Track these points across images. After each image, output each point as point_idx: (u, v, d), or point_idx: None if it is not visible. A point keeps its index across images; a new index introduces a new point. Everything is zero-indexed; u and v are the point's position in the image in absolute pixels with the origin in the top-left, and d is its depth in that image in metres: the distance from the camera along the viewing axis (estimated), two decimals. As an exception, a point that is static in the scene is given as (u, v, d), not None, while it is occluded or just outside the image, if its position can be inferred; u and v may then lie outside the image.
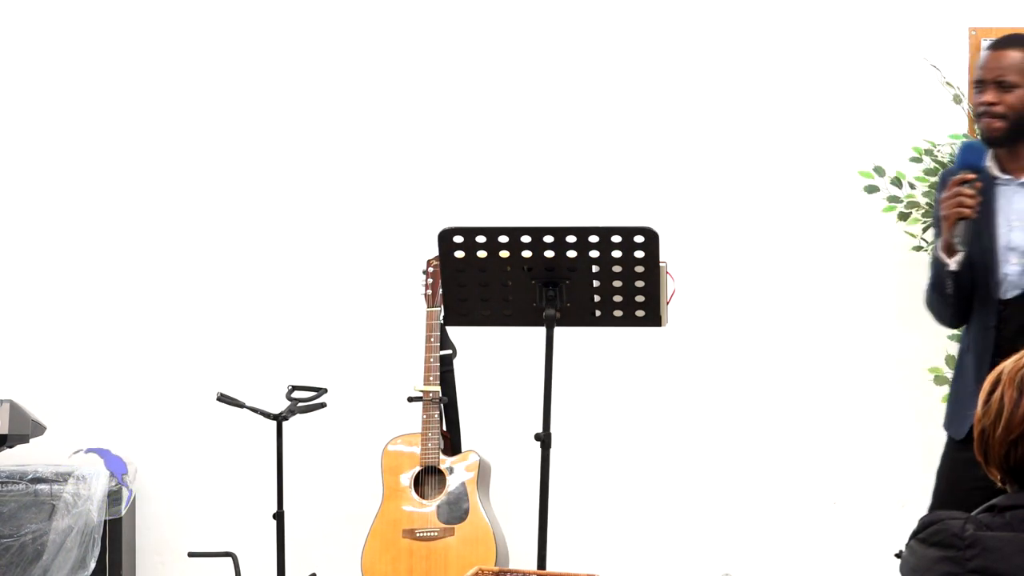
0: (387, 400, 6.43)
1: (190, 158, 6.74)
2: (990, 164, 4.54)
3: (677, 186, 6.62)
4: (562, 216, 6.43)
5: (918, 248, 6.20)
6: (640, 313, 4.86)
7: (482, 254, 4.84)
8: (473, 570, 4.41)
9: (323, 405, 6.10)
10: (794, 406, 6.54)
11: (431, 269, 6.08)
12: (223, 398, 5.99)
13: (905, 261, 6.30)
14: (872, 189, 6.32)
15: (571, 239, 4.79)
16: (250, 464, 6.54)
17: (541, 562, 4.78)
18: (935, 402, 5.97)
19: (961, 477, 4.50)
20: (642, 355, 6.56)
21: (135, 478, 6.50)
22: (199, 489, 6.67)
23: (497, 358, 6.53)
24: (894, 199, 6.29)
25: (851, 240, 6.51)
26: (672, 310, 5.01)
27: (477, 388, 6.43)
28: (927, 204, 6.17)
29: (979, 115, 4.53)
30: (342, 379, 6.48)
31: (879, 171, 6.33)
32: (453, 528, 5.97)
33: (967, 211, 4.40)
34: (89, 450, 6.44)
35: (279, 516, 5.93)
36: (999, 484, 2.66)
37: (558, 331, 4.87)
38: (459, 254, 4.85)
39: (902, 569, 2.65)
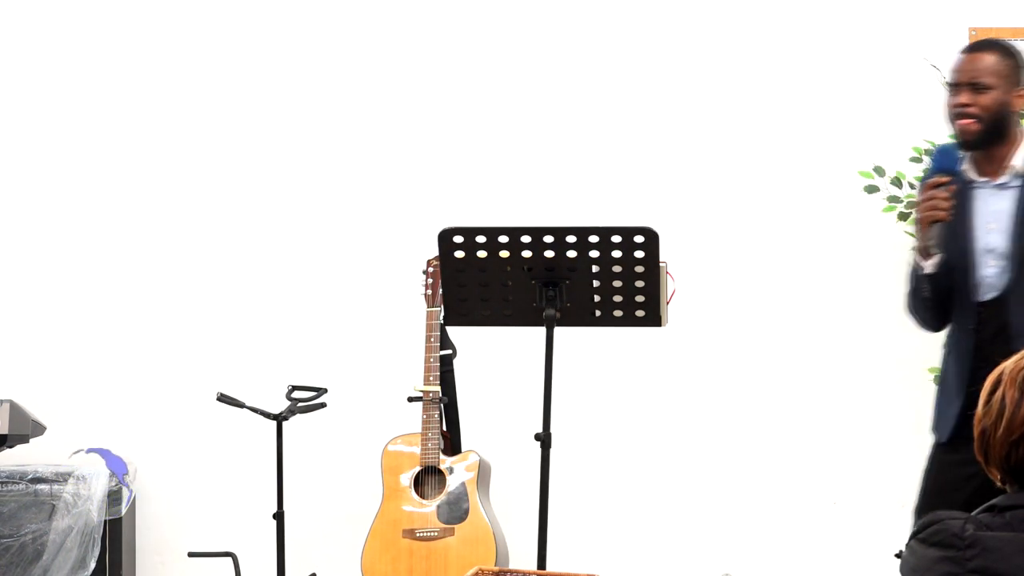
0: (387, 400, 6.43)
1: (190, 159, 6.74)
2: (967, 167, 4.56)
3: (677, 186, 6.62)
4: (562, 216, 6.43)
5: (918, 248, 6.21)
6: (640, 313, 4.86)
7: (482, 254, 4.84)
8: (473, 570, 4.41)
9: (323, 405, 6.10)
10: (794, 406, 6.54)
11: (431, 269, 6.08)
12: (223, 398, 5.99)
13: (905, 261, 6.28)
14: (872, 189, 6.32)
15: (571, 239, 4.79)
16: (250, 464, 6.54)
17: (541, 562, 4.78)
18: (935, 402, 5.96)
19: (948, 479, 4.53)
20: (642, 355, 6.56)
21: (135, 478, 6.50)
22: (199, 489, 6.67)
23: (497, 358, 6.53)
24: (894, 199, 6.29)
25: (851, 240, 6.51)
26: (672, 310, 5.00)
27: (477, 388, 6.43)
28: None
29: (954, 117, 4.55)
30: (342, 379, 6.48)
31: (879, 171, 6.33)
32: (453, 528, 5.97)
33: (941, 214, 4.44)
34: (90, 450, 6.44)
35: (279, 516, 5.93)
36: (999, 484, 2.66)
37: (558, 331, 4.86)
38: (459, 254, 4.85)
39: (902, 569, 2.65)
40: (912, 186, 6.28)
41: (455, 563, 5.91)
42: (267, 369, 6.58)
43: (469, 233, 4.84)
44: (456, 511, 6.00)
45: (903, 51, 6.47)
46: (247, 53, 6.73)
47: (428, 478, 6.06)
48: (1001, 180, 4.52)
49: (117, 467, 6.38)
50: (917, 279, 4.58)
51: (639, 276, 4.82)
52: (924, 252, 4.52)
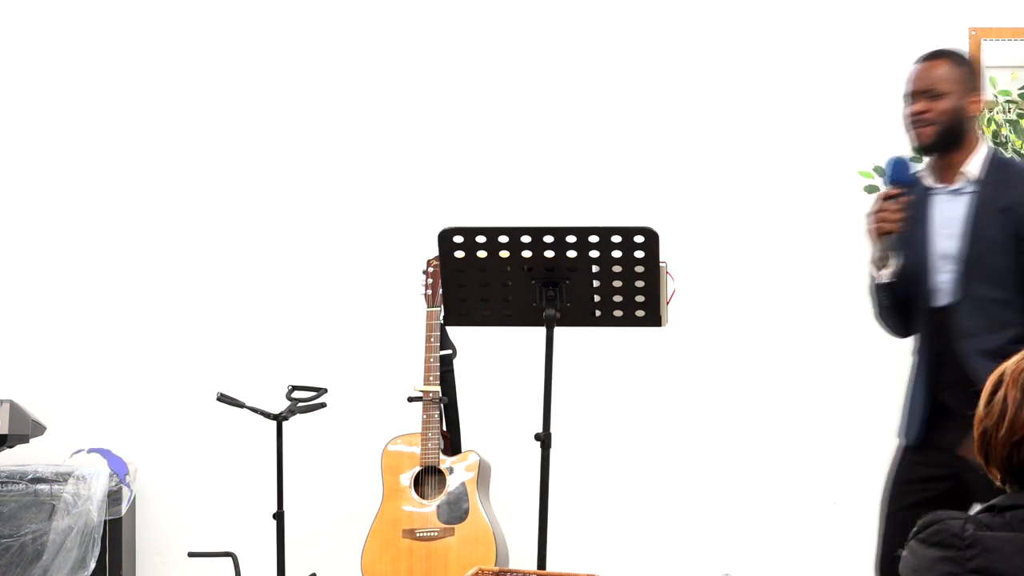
0: (387, 400, 6.43)
1: (190, 159, 6.74)
2: (925, 174, 4.64)
3: (677, 186, 6.62)
4: (562, 216, 6.43)
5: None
6: (640, 313, 4.86)
7: (482, 254, 4.84)
8: (473, 570, 4.41)
9: (323, 405, 6.10)
10: (794, 406, 6.54)
11: (431, 269, 6.08)
12: (223, 398, 5.99)
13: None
14: (872, 189, 6.31)
15: (571, 239, 4.79)
16: (250, 464, 6.54)
17: (541, 562, 4.78)
18: (935, 402, 5.96)
19: (909, 477, 4.64)
20: (642, 355, 6.56)
21: (135, 478, 6.50)
22: (199, 489, 6.67)
23: (497, 358, 6.53)
24: (894, 199, 6.28)
25: (851, 240, 6.50)
26: (672, 310, 5.00)
27: (477, 388, 6.43)
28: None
29: (911, 125, 4.64)
30: (342, 379, 6.48)
31: (879, 171, 6.33)
32: (453, 528, 5.97)
33: (891, 226, 4.52)
34: (91, 450, 6.44)
35: (279, 516, 5.93)
36: (998, 484, 2.66)
37: (558, 331, 4.86)
38: (459, 254, 4.85)
39: (902, 569, 2.65)
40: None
41: (455, 563, 5.91)
42: (267, 369, 6.58)
43: (469, 233, 4.84)
44: (456, 511, 6.00)
45: (903, 51, 6.46)
46: (247, 54, 6.73)
47: (428, 478, 6.06)
48: (956, 186, 4.60)
49: (118, 467, 6.38)
50: (876, 289, 4.66)
51: (639, 276, 4.82)
52: (879, 263, 4.58)
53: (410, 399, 6.10)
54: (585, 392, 6.55)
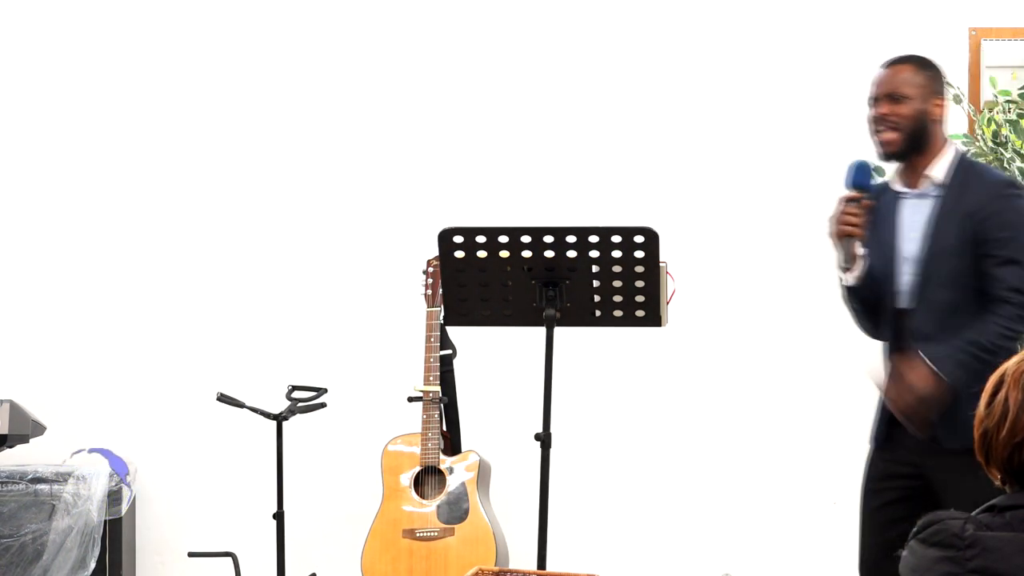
0: (387, 400, 6.43)
1: (190, 159, 6.74)
2: (894, 178, 4.67)
3: (677, 186, 6.62)
4: (562, 216, 6.43)
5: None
6: (640, 313, 4.86)
7: (482, 254, 4.84)
8: (473, 570, 4.41)
9: (323, 405, 6.10)
10: (794, 406, 6.54)
11: (431, 269, 6.08)
12: (223, 398, 5.99)
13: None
14: (872, 189, 6.31)
15: (571, 239, 4.79)
16: (250, 464, 6.54)
17: (541, 562, 4.78)
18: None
19: (877, 474, 4.66)
20: (642, 355, 6.56)
21: (135, 478, 6.50)
22: (199, 489, 6.67)
23: (497, 358, 6.53)
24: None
25: (851, 240, 6.51)
26: (672, 310, 5.00)
27: (477, 388, 6.43)
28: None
29: (874, 130, 4.64)
30: (342, 379, 6.48)
31: (879, 171, 6.32)
32: (453, 528, 5.97)
33: (851, 230, 4.55)
34: (92, 450, 6.44)
35: (279, 516, 5.93)
36: (998, 484, 2.66)
37: (558, 331, 4.86)
38: (459, 254, 4.85)
39: (902, 569, 2.65)
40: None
41: (455, 563, 5.91)
42: (267, 369, 6.58)
43: (469, 233, 4.84)
44: (456, 511, 6.00)
45: (903, 51, 6.46)
46: (247, 54, 6.73)
47: (428, 478, 6.06)
48: (922, 190, 4.63)
49: (119, 467, 6.39)
50: (844, 291, 4.69)
51: (639, 276, 4.82)
52: (844, 266, 4.62)
53: (410, 399, 6.10)
54: (585, 392, 6.55)
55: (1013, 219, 4.51)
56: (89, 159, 6.74)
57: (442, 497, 6.02)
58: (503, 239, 4.81)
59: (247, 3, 6.73)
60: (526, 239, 4.80)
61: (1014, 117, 6.17)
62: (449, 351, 6.15)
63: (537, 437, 4.78)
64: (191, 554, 6.28)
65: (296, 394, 6.07)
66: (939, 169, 4.60)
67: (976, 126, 6.25)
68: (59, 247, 6.73)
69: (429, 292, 6.10)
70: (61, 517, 6.24)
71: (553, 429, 4.82)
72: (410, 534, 5.98)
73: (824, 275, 6.55)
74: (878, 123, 4.62)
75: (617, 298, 4.84)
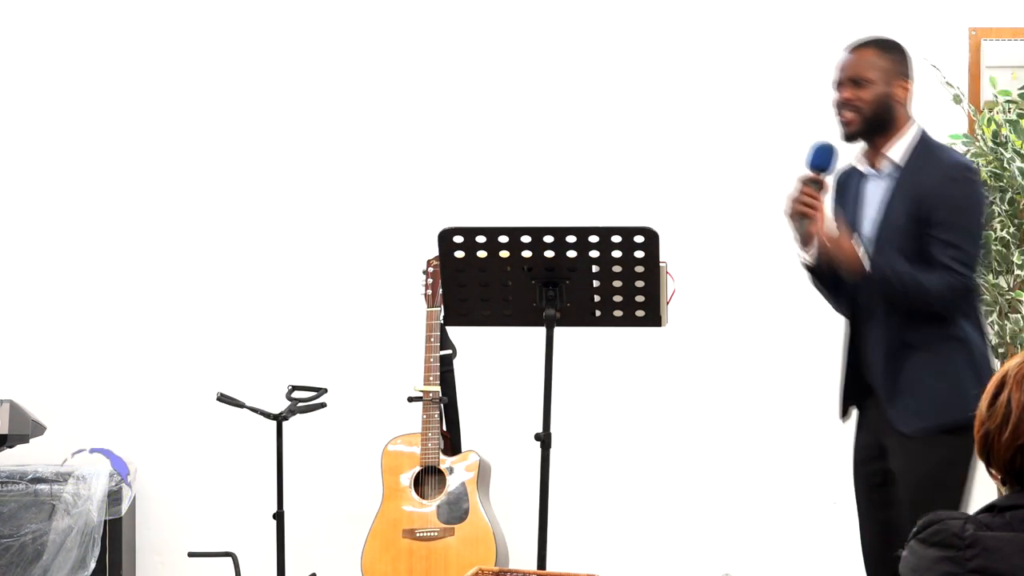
0: (387, 400, 6.43)
1: (190, 159, 6.74)
2: (860, 160, 4.72)
3: (677, 186, 6.62)
4: (562, 216, 6.43)
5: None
6: (640, 313, 4.86)
7: (482, 254, 4.83)
8: (473, 570, 4.41)
9: (323, 405, 6.10)
10: (794, 406, 6.54)
11: (431, 269, 6.08)
12: (223, 398, 5.99)
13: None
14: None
15: (571, 239, 4.79)
16: (250, 464, 6.54)
17: (541, 562, 4.78)
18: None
19: (861, 462, 4.88)
20: (642, 355, 6.56)
21: (135, 478, 6.50)
22: (199, 489, 6.67)
23: (497, 358, 6.53)
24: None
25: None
26: (672, 310, 5.00)
27: (477, 388, 6.43)
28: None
29: (837, 112, 4.69)
30: (342, 379, 6.48)
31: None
32: (453, 528, 5.97)
33: (806, 210, 4.62)
34: (93, 450, 6.43)
35: (279, 516, 5.93)
36: (998, 484, 2.66)
37: (558, 331, 4.86)
38: (459, 254, 4.84)
39: (902, 569, 2.65)
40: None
41: (455, 563, 5.91)
42: (267, 369, 6.58)
43: (469, 233, 4.84)
44: (456, 511, 6.00)
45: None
46: (247, 54, 6.73)
47: (428, 478, 6.06)
48: (882, 171, 4.68)
49: (120, 467, 6.38)
50: (806, 270, 4.79)
51: (639, 276, 4.82)
52: (801, 243, 4.70)
53: (410, 399, 6.10)
54: (585, 392, 6.55)
55: (961, 203, 4.56)
56: (89, 160, 6.74)
57: (442, 497, 6.02)
58: (503, 239, 4.81)
59: (247, 4, 6.73)
60: (526, 239, 4.79)
61: (1014, 117, 6.17)
62: (449, 351, 6.15)
63: (537, 437, 4.78)
64: (191, 554, 6.28)
65: (296, 394, 6.07)
66: (897, 150, 4.65)
67: (976, 126, 6.25)
68: (59, 248, 6.73)
69: (429, 292, 6.10)
70: (61, 517, 6.24)
71: (553, 429, 4.82)
72: (410, 534, 5.98)
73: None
74: (840, 107, 4.66)
75: (617, 298, 4.84)
